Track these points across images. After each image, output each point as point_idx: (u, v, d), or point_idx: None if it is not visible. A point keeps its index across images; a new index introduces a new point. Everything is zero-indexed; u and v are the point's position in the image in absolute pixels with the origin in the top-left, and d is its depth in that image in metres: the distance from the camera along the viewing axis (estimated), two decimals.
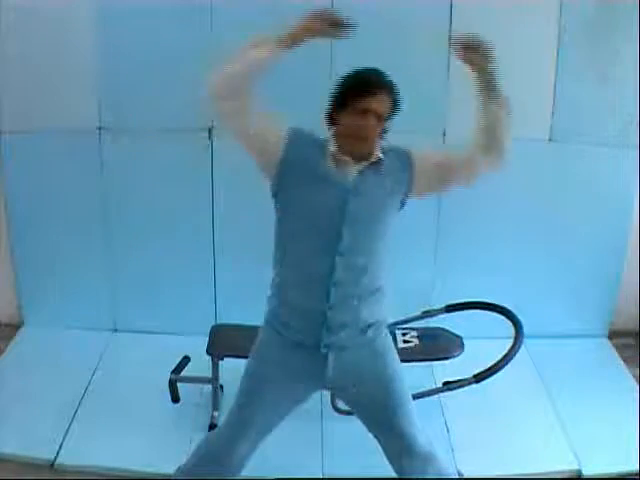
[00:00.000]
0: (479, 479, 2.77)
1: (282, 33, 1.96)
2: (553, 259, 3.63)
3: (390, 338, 2.25)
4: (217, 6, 3.23)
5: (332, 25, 1.97)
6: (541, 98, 3.42)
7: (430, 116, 3.39)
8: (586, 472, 2.85)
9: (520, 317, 2.93)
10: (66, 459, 2.85)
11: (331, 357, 2.12)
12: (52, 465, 2.83)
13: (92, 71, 3.32)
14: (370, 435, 2.27)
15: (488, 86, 2.10)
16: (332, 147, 2.04)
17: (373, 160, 2.06)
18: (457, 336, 3.09)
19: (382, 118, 2.03)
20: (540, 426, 3.10)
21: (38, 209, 3.56)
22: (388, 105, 2.04)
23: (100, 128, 3.43)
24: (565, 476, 2.88)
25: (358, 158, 2.05)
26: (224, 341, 3.10)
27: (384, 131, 2.09)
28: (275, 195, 2.09)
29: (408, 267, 3.41)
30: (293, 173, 2.04)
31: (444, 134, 3.43)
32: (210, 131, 3.39)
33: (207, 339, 3.09)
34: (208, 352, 3.03)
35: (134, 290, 3.66)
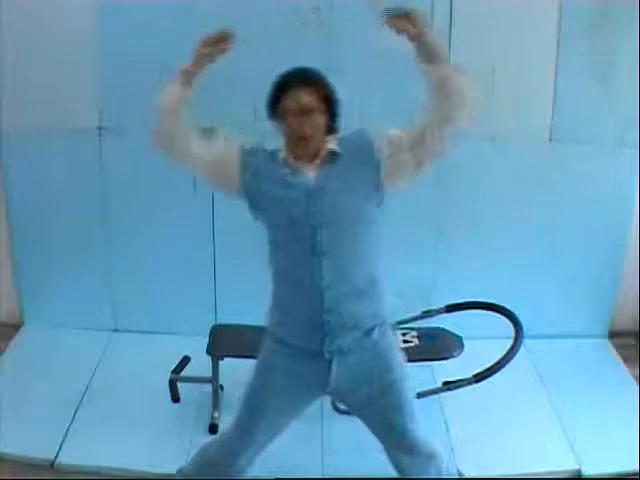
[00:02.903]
0: (479, 479, 2.77)
1: (180, 70, 2.02)
2: (553, 259, 3.63)
3: (393, 336, 2.23)
4: (217, 7, 3.23)
5: (219, 44, 1.99)
6: (541, 98, 3.42)
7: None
8: (586, 472, 2.85)
9: (520, 317, 2.93)
10: (66, 459, 2.85)
11: (335, 363, 2.10)
12: (52, 465, 2.83)
13: (92, 71, 3.32)
14: (370, 435, 2.27)
15: (431, 53, 1.97)
16: (283, 153, 2.04)
17: (325, 156, 2.02)
18: (457, 336, 3.09)
19: (315, 112, 1.98)
20: (540, 426, 3.09)
21: (38, 209, 3.57)
22: (318, 100, 1.99)
23: (100, 128, 3.43)
24: (565, 476, 2.88)
25: (309, 158, 2.02)
26: (224, 341, 3.10)
27: (330, 126, 2.04)
28: (251, 212, 2.11)
29: (408, 267, 3.41)
30: (256, 191, 2.06)
31: None
32: (210, 131, 3.39)
33: (207, 339, 3.09)
34: (208, 352, 3.03)
35: (134, 290, 3.66)
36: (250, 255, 3.29)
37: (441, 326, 3.19)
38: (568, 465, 2.89)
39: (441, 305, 3.14)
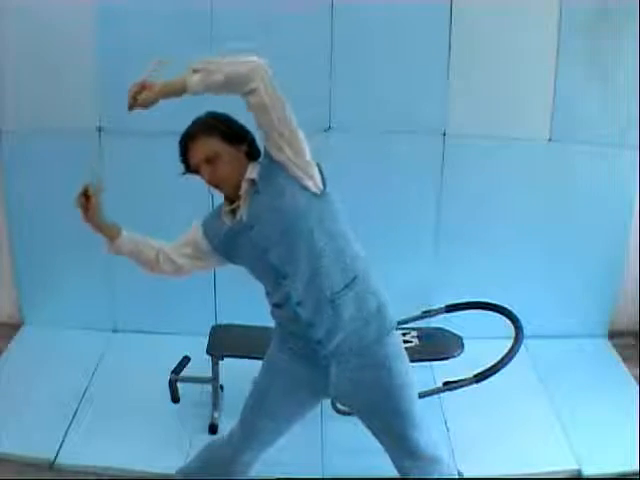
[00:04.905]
0: (479, 479, 2.77)
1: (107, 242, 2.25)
2: (553, 259, 3.63)
3: (397, 336, 2.20)
4: (217, 7, 3.23)
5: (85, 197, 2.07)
6: (541, 98, 3.42)
7: (430, 116, 3.40)
8: (586, 472, 2.85)
9: (520, 317, 2.93)
10: (66, 459, 2.85)
11: (333, 368, 2.11)
12: (52, 465, 2.83)
13: (92, 71, 3.33)
14: (370, 435, 2.26)
15: (175, 92, 1.96)
16: (224, 202, 2.11)
17: (246, 188, 2.01)
18: (457, 336, 3.09)
19: (216, 157, 2.00)
20: (540, 426, 3.10)
21: (38, 209, 3.57)
22: (212, 142, 2.00)
23: (100, 128, 3.43)
24: (565, 476, 2.88)
25: (237, 197, 2.05)
26: (224, 341, 3.10)
27: (250, 153, 2.05)
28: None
29: (408, 267, 3.42)
30: (225, 252, 2.13)
31: (444, 134, 3.44)
32: None
33: (207, 339, 3.09)
34: (208, 352, 3.03)
35: (134, 290, 3.66)
36: None
37: (441, 326, 3.19)
38: (568, 465, 2.90)
39: (441, 305, 3.14)
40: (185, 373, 3.08)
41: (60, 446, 2.90)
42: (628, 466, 2.85)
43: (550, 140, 3.48)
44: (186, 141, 2.04)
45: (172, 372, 3.05)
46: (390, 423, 2.17)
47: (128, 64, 3.24)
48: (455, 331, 3.13)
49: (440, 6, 3.27)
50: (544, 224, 3.56)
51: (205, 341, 3.07)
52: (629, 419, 3.09)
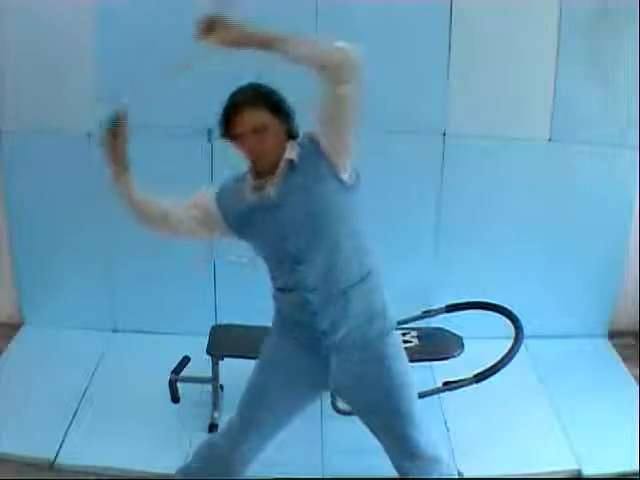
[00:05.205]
0: (479, 479, 2.77)
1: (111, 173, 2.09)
2: (553, 259, 3.63)
3: (397, 336, 2.22)
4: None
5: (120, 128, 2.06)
6: (541, 98, 3.42)
7: (430, 116, 3.40)
8: (586, 472, 2.85)
9: (520, 317, 2.93)
10: (66, 459, 2.85)
11: (333, 359, 2.12)
12: (52, 465, 2.83)
13: (92, 71, 3.32)
14: (370, 435, 2.26)
15: (283, 48, 1.86)
16: (249, 176, 2.07)
17: (283, 168, 1.99)
18: (457, 336, 3.09)
19: (263, 129, 1.96)
20: (540, 426, 3.10)
21: (38, 209, 3.57)
22: (261, 116, 1.96)
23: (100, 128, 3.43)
24: (565, 476, 2.88)
25: (269, 173, 2.02)
26: (224, 341, 3.10)
27: (290, 133, 2.03)
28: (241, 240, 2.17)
29: (408, 267, 3.42)
30: (235, 220, 2.09)
31: (444, 134, 3.44)
32: (210, 131, 3.39)
33: (207, 339, 3.09)
34: (208, 352, 3.03)
35: (134, 290, 3.66)
36: (250, 255, 3.30)
37: (441, 326, 3.19)
38: (568, 465, 2.89)
39: (441, 305, 3.14)
40: (185, 373, 3.08)
41: (60, 446, 2.90)
42: (628, 466, 2.85)
43: (550, 140, 3.48)
44: (234, 109, 1.97)
45: (172, 372, 3.05)
46: (390, 422, 2.17)
47: (128, 64, 3.27)
48: (455, 331, 3.13)
49: (440, 6, 3.27)
50: (544, 224, 3.56)
51: (205, 341, 3.07)
52: (629, 419, 3.09)
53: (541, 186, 3.52)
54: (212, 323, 3.41)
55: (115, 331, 3.75)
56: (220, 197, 2.12)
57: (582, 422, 3.10)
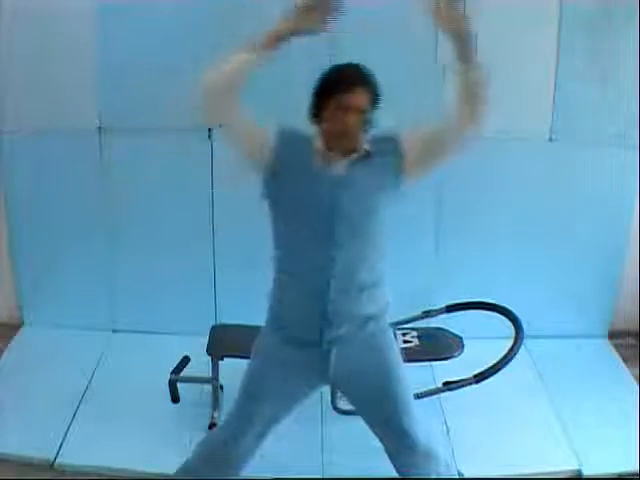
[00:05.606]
0: (479, 479, 2.77)
1: (267, 33, 1.95)
2: (553, 259, 3.63)
3: (392, 334, 2.24)
4: (217, 6, 3.23)
5: (323, 13, 1.93)
6: (541, 98, 3.42)
7: (430, 116, 3.39)
8: (586, 472, 2.85)
9: (520, 317, 2.93)
10: (66, 459, 2.85)
11: (333, 353, 2.12)
12: (52, 465, 2.83)
13: (92, 71, 3.32)
14: (370, 435, 2.27)
15: (465, 51, 2.04)
16: (319, 143, 2.04)
17: (360, 154, 2.04)
18: (457, 336, 3.09)
19: (364, 113, 2.00)
20: (540, 426, 3.09)
21: (38, 209, 3.56)
22: (369, 99, 2.00)
23: (100, 128, 3.43)
24: (565, 476, 2.88)
25: (344, 153, 2.04)
26: (224, 341, 3.10)
27: (369, 124, 2.05)
28: (267, 195, 2.09)
29: (408, 267, 3.41)
30: (283, 171, 2.04)
31: None
32: (210, 131, 3.40)
33: (207, 339, 3.09)
34: (208, 352, 3.03)
35: (134, 290, 3.66)
36: (250, 255, 3.30)
37: (441, 326, 3.19)
38: (568, 465, 2.89)
39: (441, 305, 3.14)
40: (185, 373, 3.08)
41: (60, 446, 2.90)
42: (628, 466, 2.85)
43: (550, 140, 3.48)
44: (353, 83, 1.98)
45: (172, 372, 3.05)
46: (389, 413, 2.19)
47: (128, 64, 3.27)
48: (455, 331, 3.13)
49: None
50: (544, 224, 3.56)
51: (205, 341, 3.07)
52: (629, 419, 3.09)
53: (541, 186, 3.52)
54: (212, 323, 3.41)
55: (115, 331, 3.75)
56: (282, 133, 2.06)
57: (582, 422, 3.10)
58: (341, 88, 1.98)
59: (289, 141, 2.06)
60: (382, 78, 2.06)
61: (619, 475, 2.84)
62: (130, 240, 3.57)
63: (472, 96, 2.01)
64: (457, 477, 2.49)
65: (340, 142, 2.02)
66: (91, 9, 3.25)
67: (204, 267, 3.63)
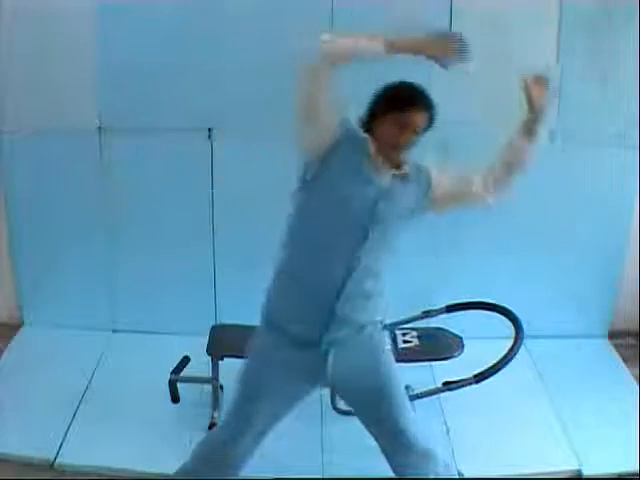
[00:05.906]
0: (479, 479, 2.77)
1: (395, 38, 1.97)
2: (553, 259, 3.62)
3: (385, 335, 2.26)
4: (217, 6, 3.23)
5: (449, 52, 2.01)
6: None
7: None
8: (586, 472, 2.85)
9: (520, 317, 2.93)
10: (66, 459, 2.85)
11: (331, 355, 2.13)
12: (52, 465, 2.83)
13: (92, 71, 3.32)
14: (370, 436, 2.27)
15: (536, 126, 2.25)
16: (372, 149, 2.07)
17: (404, 171, 2.11)
18: (457, 336, 3.10)
19: (418, 134, 2.07)
20: (540, 426, 3.10)
21: (38, 209, 3.56)
22: (427, 121, 2.08)
23: (100, 128, 3.43)
24: (565, 476, 2.88)
25: (390, 165, 2.09)
26: (224, 341, 3.10)
27: (415, 144, 2.12)
28: (309, 185, 2.08)
29: (409, 267, 3.40)
30: (335, 165, 2.04)
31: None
32: (210, 131, 3.40)
33: (207, 339, 3.09)
34: (208, 352, 3.03)
35: (134, 290, 3.66)
36: (250, 255, 3.30)
37: (441, 326, 3.19)
38: (568, 465, 2.90)
39: (441, 305, 3.14)
40: (185, 373, 3.08)
41: (60, 446, 2.90)
42: (628, 466, 2.85)
43: (550, 140, 3.48)
44: (418, 104, 2.05)
45: (172, 372, 3.05)
46: (386, 413, 2.19)
47: (128, 64, 3.27)
48: (455, 331, 3.13)
49: (440, 6, 3.27)
50: (544, 224, 3.56)
51: (205, 341, 3.07)
52: (629, 419, 3.09)
53: (541, 186, 3.50)
54: (212, 323, 3.41)
55: (115, 331, 3.75)
56: (346, 129, 2.07)
57: (582, 422, 3.10)
58: (409, 106, 2.03)
59: (350, 137, 2.07)
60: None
61: (619, 475, 2.84)
62: (130, 240, 3.57)
63: (515, 165, 2.26)
64: (457, 477, 2.49)
65: (391, 155, 2.07)
66: (91, 9, 3.25)
67: (204, 267, 3.63)
